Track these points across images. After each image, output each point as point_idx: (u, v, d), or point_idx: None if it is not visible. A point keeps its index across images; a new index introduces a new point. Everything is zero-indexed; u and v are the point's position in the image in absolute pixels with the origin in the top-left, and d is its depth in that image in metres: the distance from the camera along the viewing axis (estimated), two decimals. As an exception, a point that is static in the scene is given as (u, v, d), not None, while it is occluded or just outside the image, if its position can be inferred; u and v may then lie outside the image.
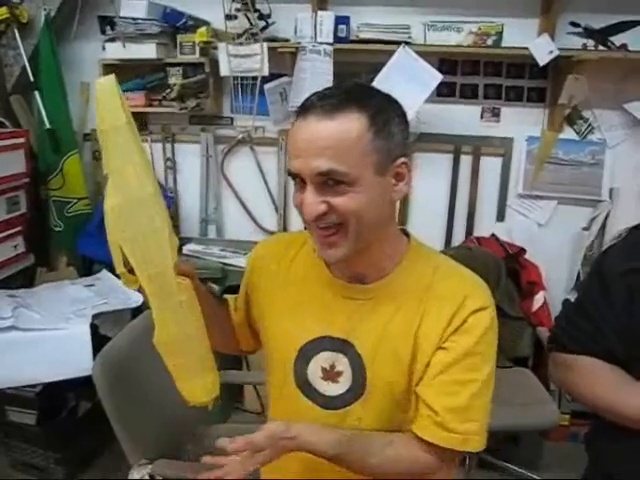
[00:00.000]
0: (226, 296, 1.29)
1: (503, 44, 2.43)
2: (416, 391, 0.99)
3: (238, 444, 0.89)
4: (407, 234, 1.08)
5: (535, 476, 2.46)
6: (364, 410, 1.02)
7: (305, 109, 0.91)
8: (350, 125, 0.89)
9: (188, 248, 2.71)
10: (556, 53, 2.28)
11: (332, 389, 1.04)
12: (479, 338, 0.96)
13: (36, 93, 2.68)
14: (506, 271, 2.57)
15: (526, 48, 2.32)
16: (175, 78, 2.64)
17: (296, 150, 0.92)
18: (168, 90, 2.65)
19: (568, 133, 2.60)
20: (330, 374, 1.03)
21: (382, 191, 0.94)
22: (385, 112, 0.93)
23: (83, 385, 2.00)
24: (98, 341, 2.10)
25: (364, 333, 1.01)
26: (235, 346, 1.28)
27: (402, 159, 0.95)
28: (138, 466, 1.56)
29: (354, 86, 0.98)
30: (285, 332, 1.08)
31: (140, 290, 1.00)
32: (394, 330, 1.00)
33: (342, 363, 1.02)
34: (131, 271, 0.98)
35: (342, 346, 1.02)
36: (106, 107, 0.97)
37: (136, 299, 2.41)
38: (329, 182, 0.90)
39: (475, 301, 0.97)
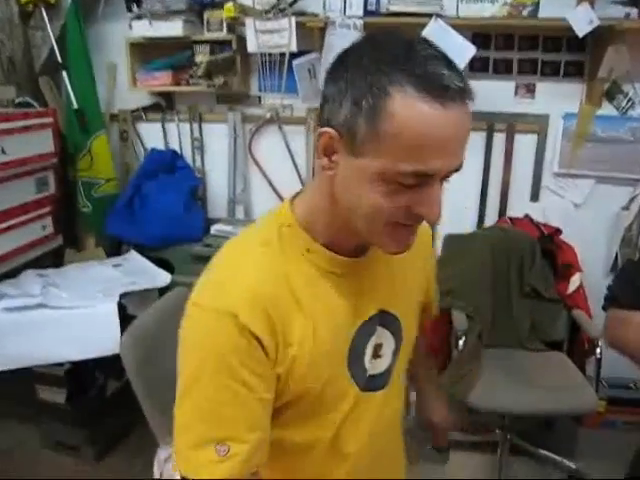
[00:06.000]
0: None
1: (540, 15, 2.34)
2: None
3: None
4: None
5: (570, 463, 2.40)
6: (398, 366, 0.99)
7: (442, 88, 0.69)
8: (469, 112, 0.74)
9: (216, 228, 2.68)
10: (596, 23, 2.18)
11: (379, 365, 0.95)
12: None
13: (64, 73, 2.68)
14: (541, 252, 2.50)
15: (564, 19, 2.22)
16: (202, 56, 2.61)
17: (437, 146, 0.70)
18: (195, 68, 2.62)
19: (607, 109, 2.50)
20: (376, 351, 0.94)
21: None
22: None
23: (111, 364, 2.00)
24: (126, 320, 2.09)
25: (392, 296, 0.94)
26: None
27: None
28: (165, 444, 1.55)
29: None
30: (325, 342, 0.85)
31: None
32: (410, 280, 1.00)
33: (383, 336, 0.94)
34: None
35: (380, 318, 0.92)
36: None
37: (164, 279, 2.41)
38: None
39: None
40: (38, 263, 2.59)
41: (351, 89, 0.72)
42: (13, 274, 2.42)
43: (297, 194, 0.89)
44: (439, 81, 0.68)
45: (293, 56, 2.51)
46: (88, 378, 2.40)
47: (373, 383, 0.93)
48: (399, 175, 0.71)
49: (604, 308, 1.34)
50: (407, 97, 0.68)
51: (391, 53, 0.72)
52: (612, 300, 1.31)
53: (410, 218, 0.76)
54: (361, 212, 0.76)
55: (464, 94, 0.71)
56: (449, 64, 0.71)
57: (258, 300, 0.77)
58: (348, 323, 0.87)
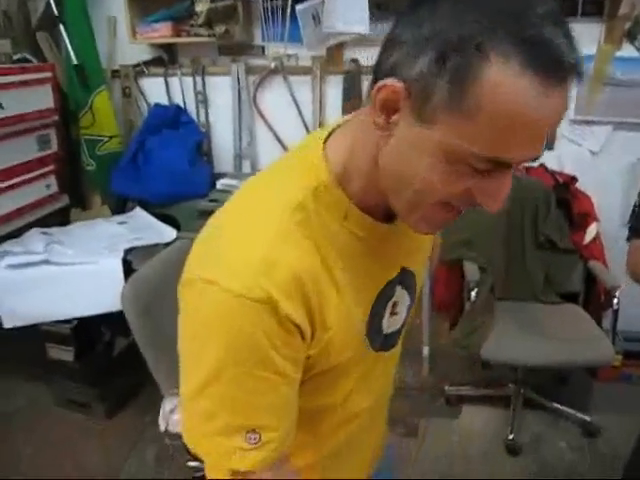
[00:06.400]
0: None
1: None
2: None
3: None
4: None
5: (585, 416, 2.36)
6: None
7: (555, 63, 0.55)
8: None
9: (222, 183, 2.64)
10: (617, -45, 2.06)
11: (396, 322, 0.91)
12: None
13: (62, 28, 2.60)
14: (556, 201, 2.42)
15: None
16: (202, 5, 2.51)
17: (529, 135, 0.58)
18: (195, 17, 2.53)
19: (627, 50, 2.38)
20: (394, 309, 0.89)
21: None
22: None
23: (118, 320, 1.98)
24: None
25: (413, 253, 0.89)
26: None
27: None
28: (170, 395, 1.53)
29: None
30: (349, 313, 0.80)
31: None
32: (425, 242, 0.93)
33: (400, 294, 0.88)
34: None
35: (400, 277, 0.86)
36: None
37: (169, 234, 2.37)
38: None
39: None
40: (44, 222, 2.56)
41: (436, 40, 0.57)
42: (19, 234, 2.39)
43: (328, 136, 0.75)
44: (553, 54, 0.55)
45: (296, 1, 2.42)
46: (95, 335, 2.39)
47: (386, 342, 0.88)
48: (472, 157, 0.59)
49: (628, 239, 1.36)
50: (510, 67, 0.54)
51: (498, 2, 0.56)
52: (634, 231, 1.33)
53: (465, 203, 0.65)
54: (410, 186, 0.64)
55: (575, 72, 0.57)
56: (566, 30, 0.56)
57: (298, 283, 0.67)
58: (372, 289, 0.81)
